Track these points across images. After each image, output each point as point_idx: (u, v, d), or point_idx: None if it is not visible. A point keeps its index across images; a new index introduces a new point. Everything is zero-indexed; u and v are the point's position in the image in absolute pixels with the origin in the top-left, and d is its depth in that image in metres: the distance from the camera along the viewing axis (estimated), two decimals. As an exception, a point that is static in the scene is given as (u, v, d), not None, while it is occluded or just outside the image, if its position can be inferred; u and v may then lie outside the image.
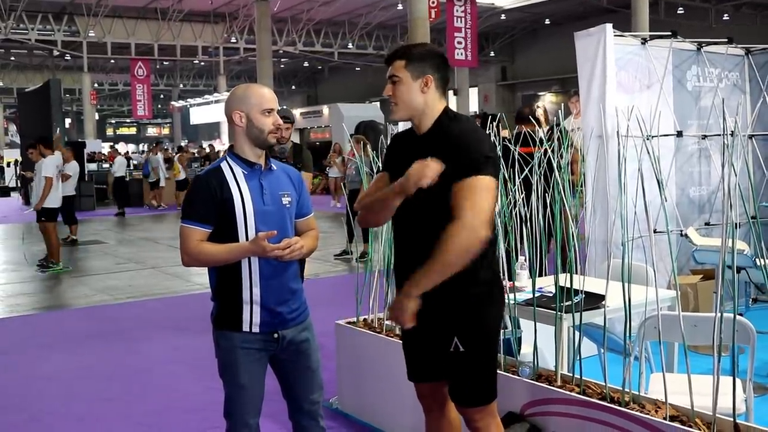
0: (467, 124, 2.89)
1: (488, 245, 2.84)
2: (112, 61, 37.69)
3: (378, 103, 32.42)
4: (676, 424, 2.95)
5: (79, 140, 29.86)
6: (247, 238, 2.98)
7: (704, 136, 6.75)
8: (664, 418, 3.01)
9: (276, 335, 3.08)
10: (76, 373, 5.98)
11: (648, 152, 3.17)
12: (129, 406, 5.15)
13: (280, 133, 5.23)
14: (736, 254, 3.20)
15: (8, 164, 33.33)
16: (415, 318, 2.79)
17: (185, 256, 3.03)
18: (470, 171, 2.70)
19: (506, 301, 3.77)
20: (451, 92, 34.94)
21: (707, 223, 6.87)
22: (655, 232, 5.58)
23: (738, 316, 3.27)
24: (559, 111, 5.22)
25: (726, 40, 6.94)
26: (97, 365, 6.17)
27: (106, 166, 24.53)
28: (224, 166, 3.06)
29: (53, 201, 11.32)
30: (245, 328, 3.03)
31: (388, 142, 3.25)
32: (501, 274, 3.08)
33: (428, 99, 2.89)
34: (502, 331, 4.01)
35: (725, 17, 30.17)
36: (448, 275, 2.70)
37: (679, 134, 6.39)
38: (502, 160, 3.40)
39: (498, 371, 3.65)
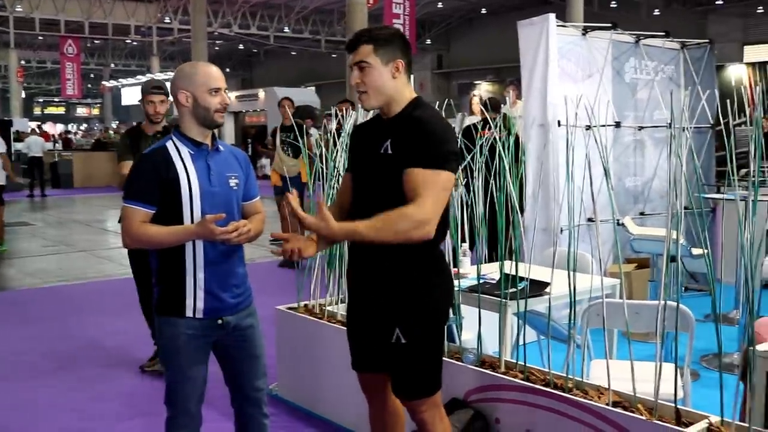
0: (435, 112, 2.84)
1: (438, 233, 2.82)
2: (41, 37, 36.58)
3: (314, 88, 32.21)
4: (619, 410, 2.99)
5: (5, 119, 28.93)
6: (192, 220, 2.89)
7: (640, 128, 6.87)
8: (607, 404, 3.04)
9: (220, 321, 3.00)
10: (3, 358, 5.79)
11: (596, 141, 3.19)
12: (60, 394, 5.00)
13: (161, 108, 5.09)
14: (675, 244, 3.25)
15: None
16: (301, 253, 2.78)
17: (127, 237, 2.92)
18: (436, 163, 2.66)
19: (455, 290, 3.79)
20: (387, 79, 34.91)
21: (642, 213, 7.01)
22: (590, 220, 5.71)
23: (679, 304, 3.33)
24: (507, 99, 5.24)
25: (663, 33, 7.06)
26: (28, 352, 5.98)
27: (19, 145, 23.19)
28: (170, 145, 2.96)
29: (0, 178, 10.98)
30: (189, 313, 2.95)
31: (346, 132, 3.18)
32: (447, 262, 3.03)
33: (398, 85, 2.82)
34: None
35: (656, 12, 30.80)
36: (375, 241, 2.63)
37: (617, 125, 6.50)
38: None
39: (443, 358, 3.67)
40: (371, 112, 3.16)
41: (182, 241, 2.90)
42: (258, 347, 3.15)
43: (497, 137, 3.70)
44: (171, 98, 4.75)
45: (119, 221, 3.20)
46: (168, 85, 4.39)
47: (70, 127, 54.07)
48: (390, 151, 2.75)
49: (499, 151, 3.67)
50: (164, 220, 2.90)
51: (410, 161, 2.66)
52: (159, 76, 34.49)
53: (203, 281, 2.95)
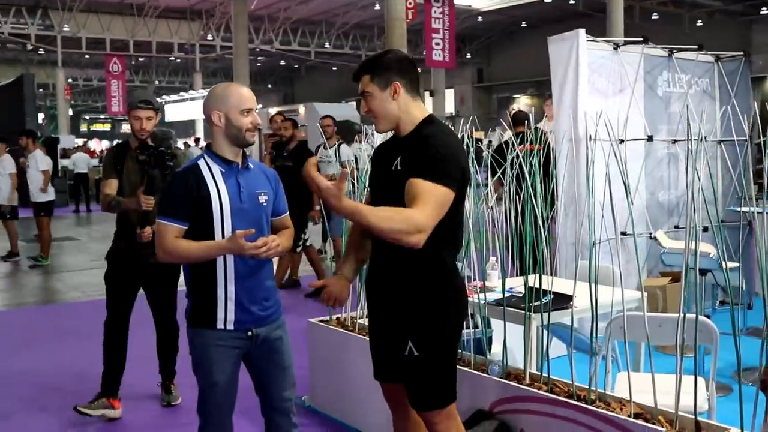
0: (444, 130, 2.92)
1: (449, 249, 2.91)
2: (87, 56, 37.42)
3: (354, 103, 32.43)
4: (640, 422, 3.03)
5: (53, 136, 29.62)
6: (223, 236, 3.02)
7: (674, 141, 6.87)
8: (629, 416, 3.09)
9: (250, 333, 3.12)
10: (49, 369, 5.96)
11: (615, 156, 3.24)
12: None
13: (148, 125, 4.72)
14: (700, 257, 3.29)
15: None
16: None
17: (161, 252, 3.06)
18: (436, 177, 2.72)
19: (474, 302, 3.86)
20: (427, 93, 35.03)
21: (676, 227, 6.99)
22: (623, 234, 5.73)
23: (701, 317, 3.36)
24: (530, 114, 5.30)
25: (696, 47, 7.07)
26: (70, 362, 6.16)
27: (65, 162, 23.54)
28: (201, 163, 3.10)
29: (50, 194, 11.37)
30: (219, 325, 3.07)
31: (364, 143, 3.29)
32: (461, 277, 3.10)
33: (401, 104, 2.91)
34: (472, 330, 4.09)
35: (699, 23, 30.53)
36: (370, 227, 2.66)
37: (650, 139, 6.51)
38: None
39: (467, 369, 3.75)
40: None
41: (213, 256, 3.02)
42: (287, 358, 3.25)
43: (530, 150, 3.77)
44: (158, 114, 4.85)
45: None
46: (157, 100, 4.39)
47: (114, 143, 54.97)
48: (399, 168, 2.85)
49: (529, 165, 3.73)
50: (197, 236, 3.03)
51: (413, 173, 2.74)
52: (202, 92, 35.04)
53: (234, 294, 3.06)
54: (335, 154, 8.92)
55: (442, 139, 2.84)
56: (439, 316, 2.89)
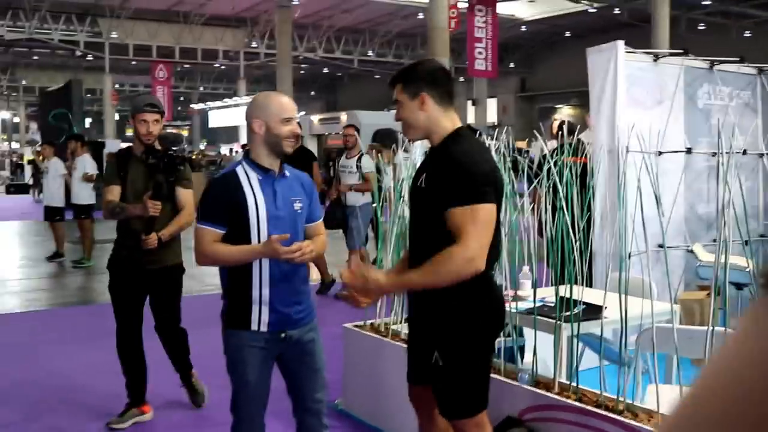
0: (468, 146, 2.93)
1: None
2: (134, 62, 38.04)
3: (396, 112, 32.45)
4: (667, 433, 3.05)
5: (99, 140, 30.19)
6: (259, 241, 3.11)
7: (714, 154, 6.83)
8: (656, 427, 3.11)
9: (283, 335, 3.21)
10: (89, 368, 6.12)
11: (647, 168, 3.27)
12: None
13: (155, 128, 4.56)
14: (734, 270, 3.30)
15: (29, 162, 33.74)
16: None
17: (199, 255, 3.17)
18: (471, 198, 2.75)
19: (508, 312, 3.90)
20: (469, 102, 35.04)
21: (714, 240, 6.93)
22: (660, 246, 5.72)
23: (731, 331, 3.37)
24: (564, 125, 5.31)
25: (738, 59, 7.02)
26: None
27: None
28: (240, 170, 3.20)
29: (90, 198, 11.61)
30: (254, 327, 3.17)
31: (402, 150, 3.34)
32: (499, 288, 3.14)
33: (430, 115, 2.95)
34: (503, 339, 4.14)
35: (747, 34, 30.12)
36: (428, 288, 2.79)
37: (688, 151, 6.48)
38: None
39: (497, 377, 3.79)
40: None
41: (249, 260, 3.12)
42: (318, 361, 3.34)
43: (573, 162, 3.81)
44: (164, 118, 4.76)
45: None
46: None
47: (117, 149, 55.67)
48: (423, 185, 2.92)
49: (566, 177, 3.77)
50: (233, 240, 3.13)
51: (447, 201, 2.78)
52: (246, 99, 35.42)
53: (268, 297, 3.16)
54: (356, 165, 8.82)
55: (469, 156, 2.86)
56: (465, 329, 2.92)
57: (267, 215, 3.14)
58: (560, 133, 7.20)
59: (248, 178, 3.18)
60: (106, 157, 12.10)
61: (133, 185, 4.65)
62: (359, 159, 8.86)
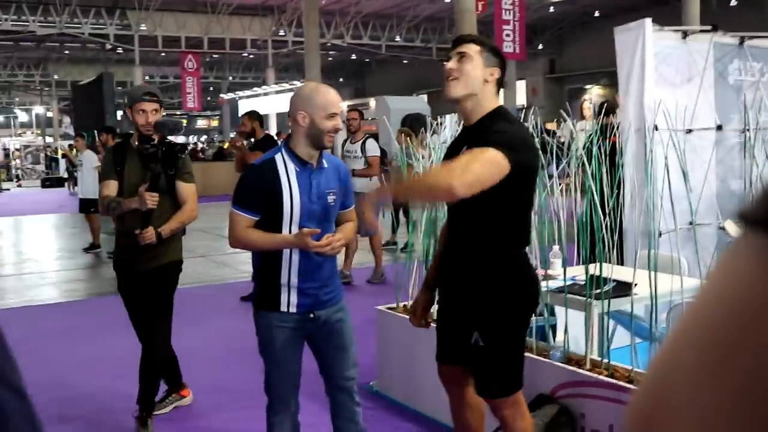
0: (513, 120, 3.01)
1: (517, 241, 2.99)
2: (163, 54, 38.36)
3: (425, 96, 32.52)
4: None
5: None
6: (290, 231, 3.20)
7: (744, 131, 6.79)
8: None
9: (312, 315, 3.29)
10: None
11: (674, 146, 3.29)
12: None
13: (154, 118, 4.31)
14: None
15: (62, 155, 34.23)
16: (374, 218, 2.92)
17: (231, 239, 3.27)
18: (490, 143, 2.76)
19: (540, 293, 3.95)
20: (498, 85, 34.79)
21: (747, 217, 6.90)
22: (690, 224, 5.71)
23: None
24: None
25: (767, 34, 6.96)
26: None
27: None
28: (278, 158, 3.26)
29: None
30: (283, 308, 3.26)
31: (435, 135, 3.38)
32: (533, 268, 3.16)
33: (487, 89, 3.00)
34: (535, 318, 4.19)
35: (781, 8, 29.59)
36: (415, 196, 2.89)
37: (719, 128, 6.45)
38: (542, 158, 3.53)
39: (530, 355, 3.84)
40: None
41: (280, 248, 3.21)
42: (347, 340, 3.43)
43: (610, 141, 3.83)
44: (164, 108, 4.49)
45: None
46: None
47: (191, 138, 56.27)
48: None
49: (596, 155, 3.80)
50: (265, 226, 3.21)
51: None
52: (275, 87, 35.55)
53: (297, 283, 3.25)
54: (361, 149, 8.84)
55: (509, 127, 2.91)
56: (505, 309, 2.97)
57: (300, 208, 3.21)
58: (601, 112, 7.19)
59: (286, 167, 3.24)
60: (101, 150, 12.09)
61: (129, 179, 4.32)
62: (364, 143, 8.86)
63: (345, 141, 9.31)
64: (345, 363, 3.44)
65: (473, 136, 2.93)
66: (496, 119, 2.95)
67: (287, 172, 3.23)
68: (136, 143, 4.35)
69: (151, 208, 4.16)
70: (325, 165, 3.34)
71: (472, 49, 2.99)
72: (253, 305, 3.37)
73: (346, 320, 3.44)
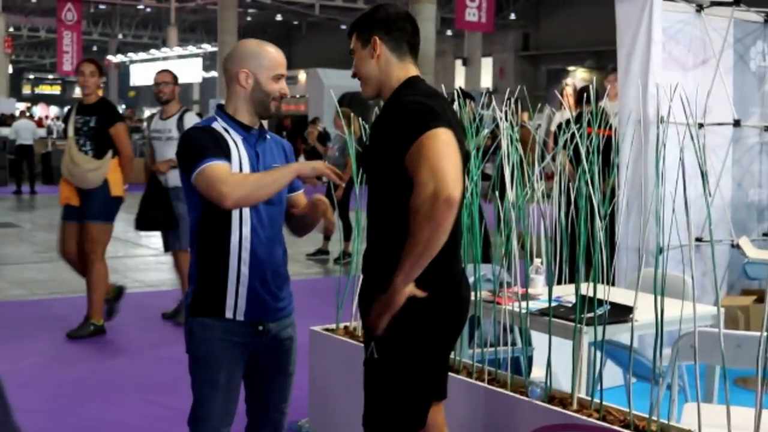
0: (424, 90, 3.08)
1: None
2: (34, 0, 37.71)
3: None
4: (708, 460, 3.17)
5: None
6: (240, 213, 3.21)
7: (766, 128, 6.97)
8: (695, 450, 3.23)
9: (261, 327, 3.31)
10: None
11: (693, 141, 3.34)
12: (56, 425, 5.34)
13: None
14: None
15: None
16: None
17: (226, 188, 3.05)
18: (417, 131, 2.83)
19: (514, 312, 3.99)
20: (459, 62, 35.14)
21: (765, 234, 7.05)
22: (699, 240, 5.83)
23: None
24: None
25: (798, 12, 7.15)
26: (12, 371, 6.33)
27: (5, 131, 23.63)
28: (217, 126, 3.28)
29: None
30: (228, 314, 3.26)
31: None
32: (455, 274, 3.20)
33: (381, 65, 3.12)
34: (509, 348, 4.24)
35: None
36: (434, 252, 2.79)
37: (736, 123, 6.58)
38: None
39: (503, 391, 3.89)
40: None
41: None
42: (293, 364, 3.47)
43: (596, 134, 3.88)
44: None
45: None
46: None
47: (65, 110, 55.32)
48: (368, 143, 3.11)
49: (585, 152, 3.84)
50: (208, 206, 3.18)
51: (396, 153, 2.87)
52: (177, 50, 35.22)
53: (247, 276, 3.26)
54: (177, 128, 7.48)
55: (416, 98, 2.98)
56: (416, 317, 2.97)
57: None
58: (581, 99, 7.30)
59: (230, 135, 3.27)
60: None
61: None
62: (180, 119, 7.57)
63: (151, 117, 8.40)
64: (284, 392, 3.46)
65: (382, 118, 3.12)
66: (400, 96, 3.06)
67: (233, 138, 3.27)
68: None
69: None
70: (268, 137, 3.40)
71: (353, 41, 3.18)
72: (188, 312, 3.35)
73: (296, 340, 3.48)
